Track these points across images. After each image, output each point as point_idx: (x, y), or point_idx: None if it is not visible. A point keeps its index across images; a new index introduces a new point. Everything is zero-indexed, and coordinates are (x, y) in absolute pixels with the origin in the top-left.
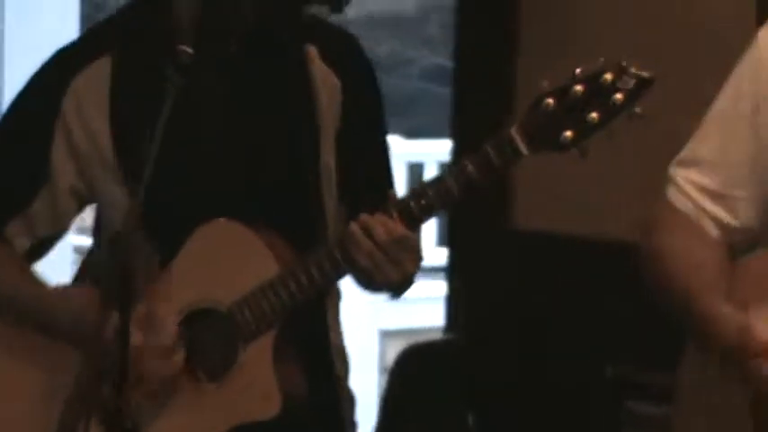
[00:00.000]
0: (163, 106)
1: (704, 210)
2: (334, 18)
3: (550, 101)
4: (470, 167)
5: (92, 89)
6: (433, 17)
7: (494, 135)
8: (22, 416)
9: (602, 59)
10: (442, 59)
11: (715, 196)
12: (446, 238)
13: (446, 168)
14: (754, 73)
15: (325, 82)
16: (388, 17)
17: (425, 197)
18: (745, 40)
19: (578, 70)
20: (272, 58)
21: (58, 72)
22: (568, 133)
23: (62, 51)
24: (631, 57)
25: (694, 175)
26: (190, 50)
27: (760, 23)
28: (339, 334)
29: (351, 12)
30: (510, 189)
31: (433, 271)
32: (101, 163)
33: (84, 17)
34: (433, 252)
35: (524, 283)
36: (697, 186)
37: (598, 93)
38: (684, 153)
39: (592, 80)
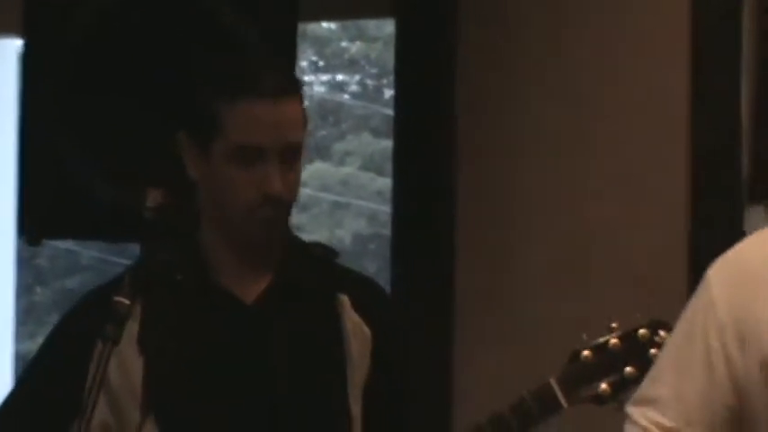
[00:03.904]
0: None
1: None
2: None
3: (588, 353)
4: (508, 415)
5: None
6: (370, 248)
7: (534, 386)
8: None
9: (638, 315)
10: None
11: None
12: None
13: (488, 418)
14: (705, 314)
15: (356, 332)
16: None
17: None
18: None
19: (614, 324)
20: (301, 307)
21: (97, 308)
22: (605, 386)
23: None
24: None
25: (651, 413)
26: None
27: None
28: None
29: None
30: None
31: None
32: (130, 395)
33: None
34: None
35: None
36: (653, 422)
37: (635, 347)
38: (640, 392)
39: (628, 335)
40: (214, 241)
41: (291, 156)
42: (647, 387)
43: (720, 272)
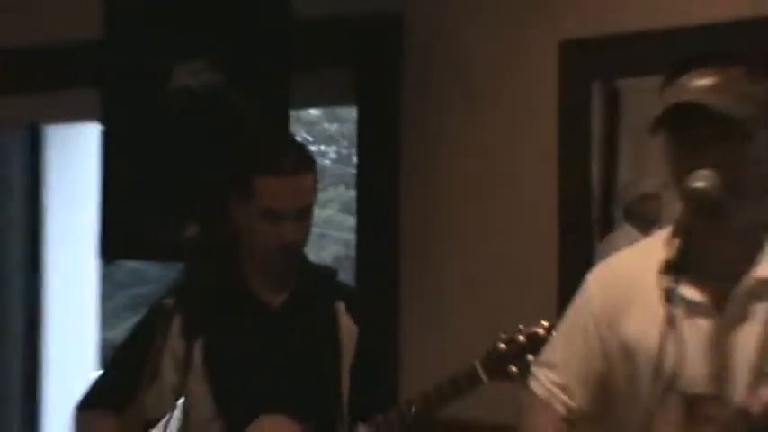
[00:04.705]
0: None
1: (555, 396)
2: None
3: (502, 345)
4: (445, 384)
5: (174, 322)
6: (345, 265)
7: (464, 366)
8: None
9: (541, 320)
10: None
11: (561, 387)
12: None
13: (432, 387)
14: (584, 306)
15: (348, 330)
16: None
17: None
18: None
19: (521, 326)
20: (311, 311)
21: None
22: (514, 369)
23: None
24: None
25: (548, 372)
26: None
27: None
28: None
29: None
30: None
31: None
32: (194, 368)
33: None
34: None
35: None
36: (549, 380)
37: (535, 342)
38: (541, 357)
39: (531, 334)
40: (250, 264)
41: (304, 213)
42: (545, 353)
43: (597, 277)
